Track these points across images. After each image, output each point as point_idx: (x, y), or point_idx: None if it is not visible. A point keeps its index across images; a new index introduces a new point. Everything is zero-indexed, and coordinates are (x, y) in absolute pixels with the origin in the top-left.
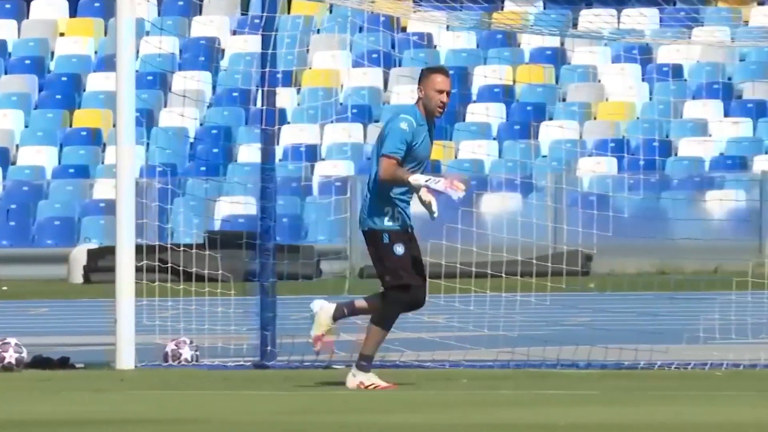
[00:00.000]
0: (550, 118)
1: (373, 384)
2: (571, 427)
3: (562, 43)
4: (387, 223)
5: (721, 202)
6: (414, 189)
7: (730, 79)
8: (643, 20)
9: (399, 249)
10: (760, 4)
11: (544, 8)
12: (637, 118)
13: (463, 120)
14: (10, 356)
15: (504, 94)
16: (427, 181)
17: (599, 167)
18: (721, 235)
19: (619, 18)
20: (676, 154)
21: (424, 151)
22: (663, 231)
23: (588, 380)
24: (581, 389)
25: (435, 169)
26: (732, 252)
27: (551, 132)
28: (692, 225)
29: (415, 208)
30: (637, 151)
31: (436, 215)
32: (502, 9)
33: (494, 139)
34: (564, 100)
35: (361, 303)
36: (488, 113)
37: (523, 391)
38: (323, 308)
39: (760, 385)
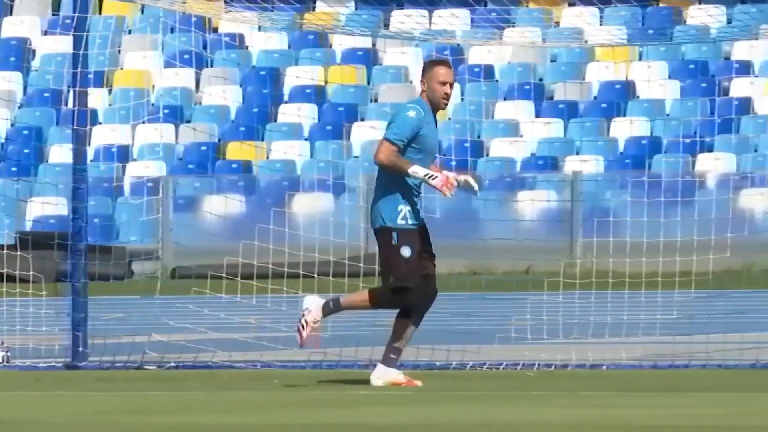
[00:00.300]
0: (362, 119)
1: (398, 381)
2: (384, 427)
3: (374, 44)
4: (399, 221)
5: (533, 203)
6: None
7: (541, 80)
8: (454, 21)
9: (406, 251)
10: (571, 5)
11: (356, 9)
12: (449, 118)
13: (275, 120)
14: None
15: (316, 94)
16: (425, 175)
17: None
18: (532, 235)
19: (430, 19)
20: (487, 155)
21: (432, 142)
22: (475, 231)
23: None
24: (395, 390)
25: (247, 170)
26: (543, 252)
27: (363, 133)
28: (504, 225)
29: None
30: (449, 152)
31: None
32: (313, 9)
33: (306, 139)
34: (376, 100)
35: (349, 299)
36: (300, 114)
37: (335, 391)
38: (314, 302)
39: (571, 385)
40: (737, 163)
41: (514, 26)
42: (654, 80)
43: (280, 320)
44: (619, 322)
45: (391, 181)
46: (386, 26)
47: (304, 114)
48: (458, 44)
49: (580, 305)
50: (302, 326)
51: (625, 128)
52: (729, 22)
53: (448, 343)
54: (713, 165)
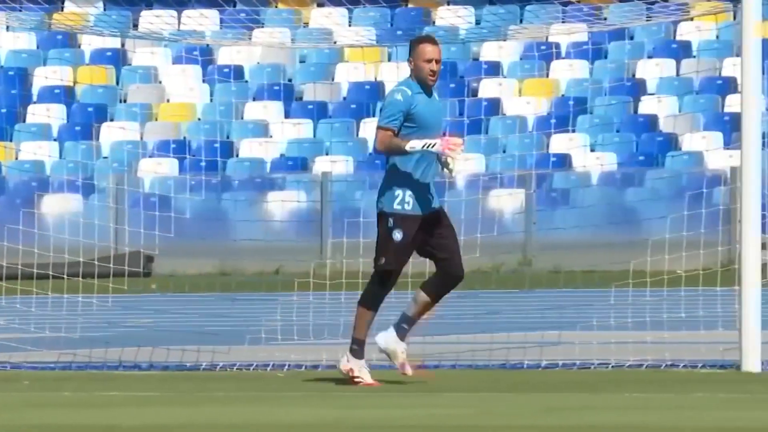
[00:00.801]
0: (111, 119)
1: (360, 378)
2: (133, 428)
3: (123, 44)
4: (396, 206)
5: (283, 204)
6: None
7: (290, 80)
8: (204, 21)
9: (398, 235)
10: (320, 5)
11: (105, 9)
12: (199, 119)
13: (24, 121)
14: None
15: (65, 95)
16: (424, 146)
17: (161, 168)
18: (282, 236)
19: (179, 19)
20: (237, 156)
21: (429, 118)
22: (224, 232)
23: (150, 381)
24: (143, 390)
25: None
26: (293, 253)
27: (113, 133)
28: (254, 226)
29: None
30: (199, 152)
31: (454, 173)
32: (62, 10)
33: (55, 140)
34: (125, 101)
35: (412, 310)
36: (49, 114)
37: (86, 392)
38: (387, 339)
39: (322, 386)
40: (486, 164)
41: (263, 27)
42: None
43: (29, 321)
44: None
45: (394, 168)
46: (135, 27)
47: (53, 114)
48: (207, 45)
49: (330, 306)
50: (402, 366)
51: (374, 129)
52: (478, 23)
53: (199, 344)
54: (463, 165)
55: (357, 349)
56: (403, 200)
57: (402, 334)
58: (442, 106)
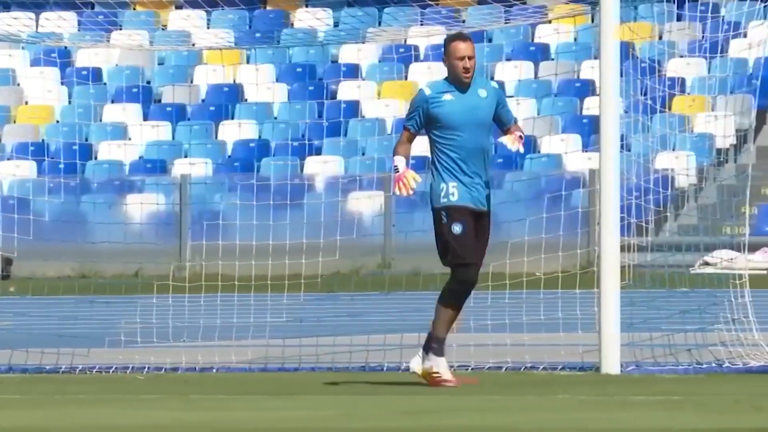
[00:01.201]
0: None
1: (438, 374)
2: None
3: None
4: (443, 200)
5: (142, 206)
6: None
7: (149, 82)
8: (62, 24)
9: (457, 228)
10: (178, 8)
11: None
12: (57, 121)
13: None
14: None
15: None
16: (393, 167)
17: (19, 171)
18: (141, 238)
19: (37, 21)
20: (96, 158)
21: (457, 116)
22: (83, 235)
23: (9, 384)
24: (2, 393)
25: None
26: (153, 255)
27: None
28: (113, 228)
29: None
30: (57, 155)
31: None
32: None
33: None
34: None
35: (436, 323)
36: None
37: None
38: (416, 363)
39: (182, 389)
40: (345, 167)
41: (121, 29)
42: (262, 83)
43: None
44: (228, 325)
45: (433, 162)
46: None
47: None
48: (66, 47)
49: (189, 308)
50: (445, 381)
51: (234, 131)
52: (336, 25)
53: (58, 347)
54: (322, 168)
55: (436, 347)
56: (448, 192)
57: (438, 353)
58: (482, 100)
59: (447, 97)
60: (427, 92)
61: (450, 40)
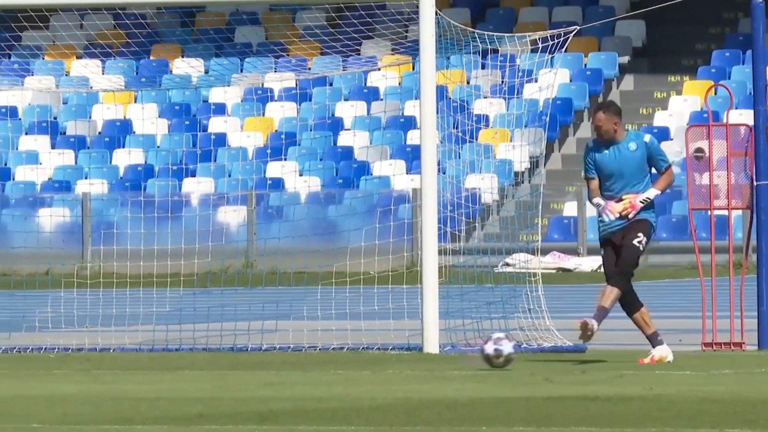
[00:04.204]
0: None
1: (661, 357)
2: None
3: None
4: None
5: (51, 218)
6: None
7: (56, 118)
8: None
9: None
10: (79, 57)
11: None
12: None
13: None
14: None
15: None
16: (596, 206)
17: None
18: (51, 244)
19: None
20: (13, 179)
21: (606, 167)
22: (3, 241)
23: None
24: None
25: None
26: (60, 258)
27: None
28: (28, 236)
29: None
30: None
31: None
32: None
33: None
34: None
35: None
36: None
37: None
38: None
39: (86, 366)
40: (215, 186)
41: (33, 75)
42: (147, 119)
43: None
44: (122, 314)
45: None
46: None
47: None
48: None
49: (90, 300)
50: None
51: (125, 157)
52: (207, 72)
53: None
54: (196, 187)
55: (659, 339)
56: (598, 227)
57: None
58: (632, 152)
59: (598, 151)
60: (588, 146)
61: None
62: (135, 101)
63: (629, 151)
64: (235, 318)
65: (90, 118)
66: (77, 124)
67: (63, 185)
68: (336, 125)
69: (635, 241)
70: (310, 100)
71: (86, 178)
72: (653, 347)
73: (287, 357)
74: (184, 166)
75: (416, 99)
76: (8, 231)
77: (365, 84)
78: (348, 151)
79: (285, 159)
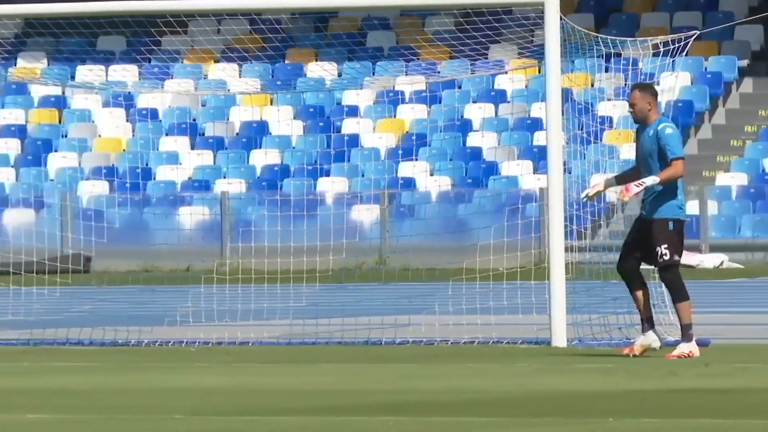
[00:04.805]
0: (56, 150)
1: (690, 351)
2: (79, 391)
3: (64, 92)
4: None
5: (191, 216)
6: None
7: (195, 120)
8: (126, 74)
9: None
10: (217, 62)
11: (48, 65)
12: (124, 150)
13: None
14: None
15: (19, 131)
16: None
17: (95, 189)
18: (191, 241)
19: (107, 72)
20: (154, 179)
21: (636, 149)
22: (146, 238)
23: (91, 354)
24: (86, 361)
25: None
26: (200, 255)
27: (57, 161)
28: (169, 233)
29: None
30: (125, 176)
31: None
32: (15, 65)
33: (12, 166)
34: (66, 136)
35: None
36: (7, 146)
37: (41, 363)
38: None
39: (225, 358)
40: (349, 185)
41: (173, 78)
42: (283, 120)
43: None
44: (260, 308)
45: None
46: (73, 78)
47: (10, 146)
48: (130, 92)
49: (230, 296)
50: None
51: (262, 158)
52: (340, 75)
53: (128, 325)
54: (330, 186)
55: (691, 333)
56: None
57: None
58: (649, 137)
59: (637, 133)
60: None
61: None
62: (271, 103)
63: (648, 137)
64: (369, 313)
65: (228, 119)
66: (216, 126)
67: (202, 184)
68: (465, 127)
69: (661, 258)
70: (440, 102)
71: (225, 177)
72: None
73: (420, 350)
74: (318, 166)
75: (542, 101)
76: (150, 229)
77: (493, 87)
78: (477, 152)
79: (416, 159)
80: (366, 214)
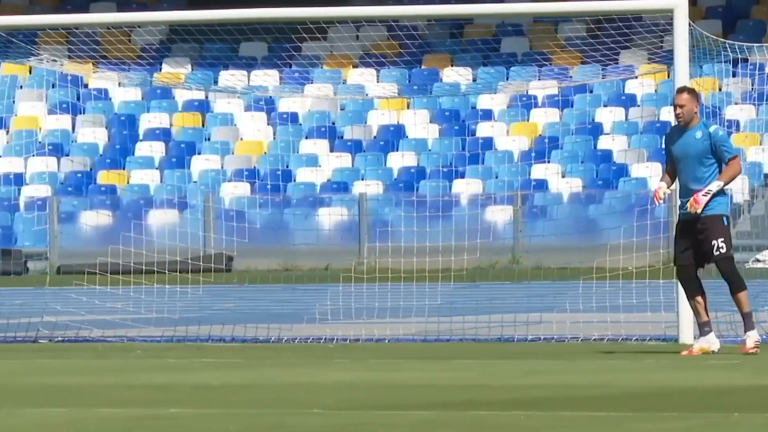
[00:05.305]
0: (200, 153)
1: (758, 340)
2: (220, 386)
3: (207, 96)
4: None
5: (330, 216)
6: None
7: (334, 123)
8: (267, 79)
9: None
10: (355, 67)
11: (192, 70)
12: (265, 153)
13: (134, 154)
14: None
15: (164, 134)
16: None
17: (237, 190)
18: (330, 241)
19: (249, 77)
20: (295, 180)
21: (676, 154)
22: (286, 238)
23: (232, 351)
24: (227, 358)
25: (113, 191)
26: (339, 254)
27: (201, 163)
28: (308, 233)
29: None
30: (266, 178)
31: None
32: (160, 70)
33: (157, 168)
34: (209, 139)
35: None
36: (152, 149)
37: (184, 359)
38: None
39: (362, 355)
40: (483, 187)
41: (312, 83)
42: (419, 124)
43: (140, 306)
44: (396, 306)
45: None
46: (216, 83)
47: (155, 149)
48: (271, 96)
49: (367, 294)
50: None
51: (399, 160)
52: (474, 80)
53: (269, 323)
54: (465, 188)
55: (753, 320)
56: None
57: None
58: (696, 140)
59: (675, 136)
60: (667, 132)
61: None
62: (408, 107)
63: (694, 139)
64: (501, 310)
65: (366, 123)
66: (354, 129)
67: (341, 186)
68: (596, 130)
69: (718, 251)
70: (572, 106)
71: (362, 179)
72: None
73: (551, 347)
74: (453, 168)
75: (671, 105)
76: (290, 229)
77: (623, 91)
78: (607, 154)
79: (548, 161)
80: (499, 215)
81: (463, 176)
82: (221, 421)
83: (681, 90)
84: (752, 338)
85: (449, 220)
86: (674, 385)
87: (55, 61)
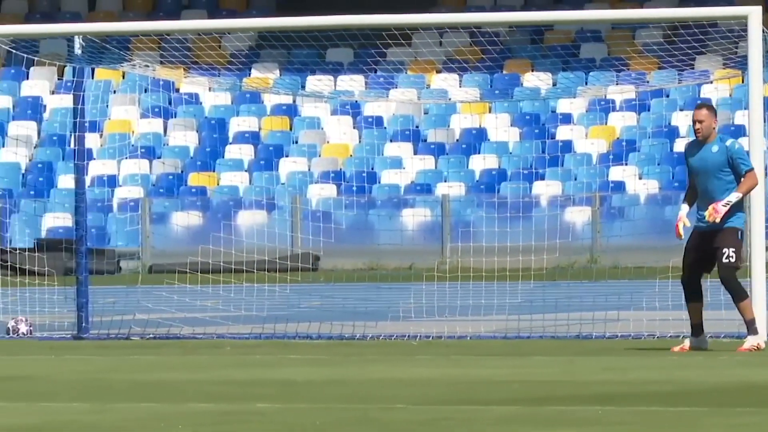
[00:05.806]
0: (287, 156)
1: (759, 344)
2: (306, 382)
3: (295, 101)
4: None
5: (414, 217)
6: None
7: (417, 126)
8: (353, 84)
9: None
10: (438, 72)
11: (281, 75)
12: (351, 155)
13: (223, 157)
14: None
15: (253, 137)
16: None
17: (324, 191)
18: (414, 241)
19: (335, 82)
20: (379, 182)
21: (696, 168)
22: (371, 238)
23: (319, 347)
24: (314, 354)
25: (203, 193)
26: (422, 254)
27: (288, 166)
28: (393, 234)
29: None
30: (351, 180)
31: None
32: (250, 75)
33: (246, 170)
34: (297, 142)
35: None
36: (241, 152)
37: (271, 356)
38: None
39: (445, 351)
40: (563, 189)
41: (397, 87)
42: (501, 127)
43: (229, 303)
44: (478, 304)
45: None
46: (303, 87)
47: (244, 152)
48: (357, 100)
49: (449, 292)
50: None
51: (480, 162)
52: (554, 85)
53: (354, 320)
54: (545, 189)
55: (756, 327)
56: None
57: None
58: (713, 153)
59: (693, 150)
60: (684, 148)
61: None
62: (490, 111)
63: (711, 153)
64: (580, 309)
65: (449, 126)
66: (437, 132)
67: (424, 188)
68: (672, 133)
69: (727, 259)
70: (649, 110)
71: (445, 181)
72: (748, 334)
73: (628, 344)
74: (534, 171)
75: (746, 109)
76: (375, 229)
77: (699, 95)
78: (683, 157)
79: (626, 164)
80: (578, 216)
81: (542, 178)
82: (307, 415)
83: (700, 106)
84: (750, 342)
85: (529, 220)
86: (749, 380)
87: (148, 66)
